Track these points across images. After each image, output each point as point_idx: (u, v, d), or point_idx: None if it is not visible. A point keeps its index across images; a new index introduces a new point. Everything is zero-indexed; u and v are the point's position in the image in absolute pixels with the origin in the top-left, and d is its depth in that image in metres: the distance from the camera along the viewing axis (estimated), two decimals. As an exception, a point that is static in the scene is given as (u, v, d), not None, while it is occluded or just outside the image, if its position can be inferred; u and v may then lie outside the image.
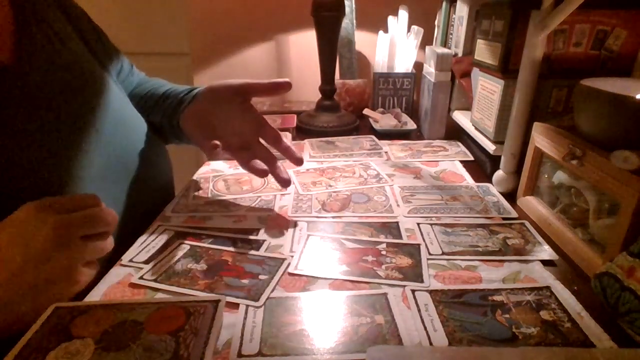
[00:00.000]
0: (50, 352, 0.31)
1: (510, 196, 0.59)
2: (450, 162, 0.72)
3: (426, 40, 0.97)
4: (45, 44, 0.47)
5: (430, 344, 0.34)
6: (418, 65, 0.97)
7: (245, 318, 0.36)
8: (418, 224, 0.52)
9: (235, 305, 0.38)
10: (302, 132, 0.90)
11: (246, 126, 0.55)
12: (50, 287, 0.35)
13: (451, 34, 0.90)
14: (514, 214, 0.54)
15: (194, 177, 0.66)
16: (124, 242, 0.47)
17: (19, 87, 0.42)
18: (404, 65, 0.96)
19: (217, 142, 0.49)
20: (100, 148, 0.47)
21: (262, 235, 0.50)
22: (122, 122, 0.53)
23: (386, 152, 0.77)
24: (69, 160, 0.43)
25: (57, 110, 0.44)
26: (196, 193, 0.61)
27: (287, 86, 0.53)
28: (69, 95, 0.46)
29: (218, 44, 1.16)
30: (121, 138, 0.51)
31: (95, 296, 0.39)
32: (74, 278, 0.36)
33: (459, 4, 0.83)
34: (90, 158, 0.45)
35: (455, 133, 0.84)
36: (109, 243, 0.39)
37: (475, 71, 0.71)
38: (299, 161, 0.56)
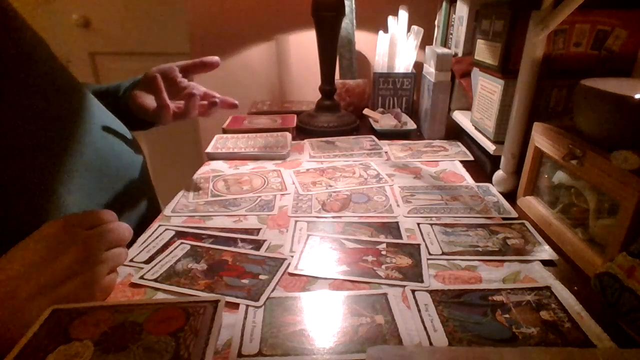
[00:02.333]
0: (49, 354, 0.31)
1: (510, 196, 0.59)
2: (450, 162, 0.72)
3: (426, 40, 0.96)
4: (23, 52, 0.47)
5: (430, 344, 0.34)
6: (418, 65, 0.97)
7: (245, 318, 0.36)
8: (418, 224, 0.52)
9: (236, 305, 0.38)
10: (302, 132, 0.89)
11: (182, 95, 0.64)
12: (78, 300, 0.36)
13: (451, 34, 0.90)
14: (514, 214, 0.54)
15: (194, 177, 0.66)
16: None
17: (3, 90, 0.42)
18: (404, 65, 0.96)
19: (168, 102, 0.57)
20: (84, 149, 0.49)
21: (262, 235, 0.50)
22: (104, 125, 0.54)
23: (386, 152, 0.76)
24: (54, 158, 0.44)
25: (42, 113, 0.45)
26: (196, 193, 0.61)
27: (215, 64, 0.64)
28: (53, 99, 0.48)
29: (218, 44, 1.16)
30: (104, 140, 0.53)
31: (95, 296, 0.39)
32: (102, 288, 0.39)
33: (459, 4, 0.83)
34: (75, 158, 0.47)
35: (455, 133, 0.84)
36: (125, 251, 0.43)
37: (475, 71, 0.71)
38: (232, 105, 0.65)
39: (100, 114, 0.55)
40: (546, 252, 0.46)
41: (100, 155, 0.51)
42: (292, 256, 0.45)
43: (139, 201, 0.58)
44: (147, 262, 0.44)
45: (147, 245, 0.47)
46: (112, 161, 0.53)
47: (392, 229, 0.51)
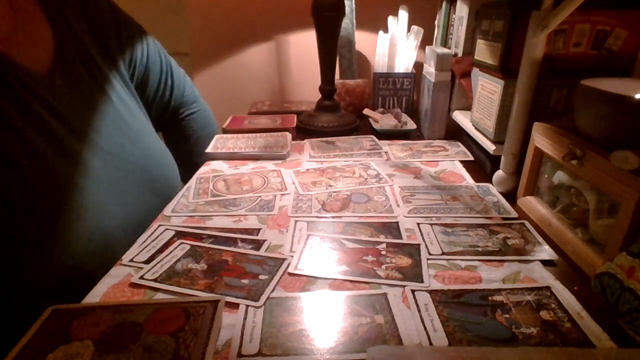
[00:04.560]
0: (48, 354, 0.31)
1: (510, 196, 0.59)
2: (450, 162, 0.72)
3: (426, 40, 0.96)
4: (75, 61, 0.53)
5: (430, 344, 0.33)
6: (418, 65, 0.97)
7: (245, 318, 0.36)
8: (418, 224, 0.52)
9: (235, 305, 0.38)
10: (302, 132, 0.89)
11: None
12: None
13: (451, 34, 0.90)
14: (514, 214, 0.54)
15: (194, 177, 0.66)
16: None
17: (45, 96, 0.48)
18: (404, 65, 0.96)
19: None
20: (103, 157, 0.54)
21: (262, 235, 0.50)
22: (128, 137, 0.59)
23: (386, 152, 0.76)
24: (76, 162, 0.49)
25: (69, 120, 0.50)
26: (196, 193, 0.61)
27: None
28: (82, 109, 0.53)
29: (218, 44, 1.16)
30: (125, 150, 0.58)
31: (95, 296, 0.39)
32: None
33: (459, 4, 0.83)
34: (94, 164, 0.52)
35: (455, 133, 0.84)
36: None
37: (475, 71, 0.71)
38: None
39: (125, 122, 0.60)
40: (546, 252, 0.46)
41: (119, 159, 0.56)
42: (292, 256, 0.45)
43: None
44: (147, 262, 0.44)
45: (146, 245, 0.47)
46: (133, 166, 0.58)
47: (392, 229, 0.51)
